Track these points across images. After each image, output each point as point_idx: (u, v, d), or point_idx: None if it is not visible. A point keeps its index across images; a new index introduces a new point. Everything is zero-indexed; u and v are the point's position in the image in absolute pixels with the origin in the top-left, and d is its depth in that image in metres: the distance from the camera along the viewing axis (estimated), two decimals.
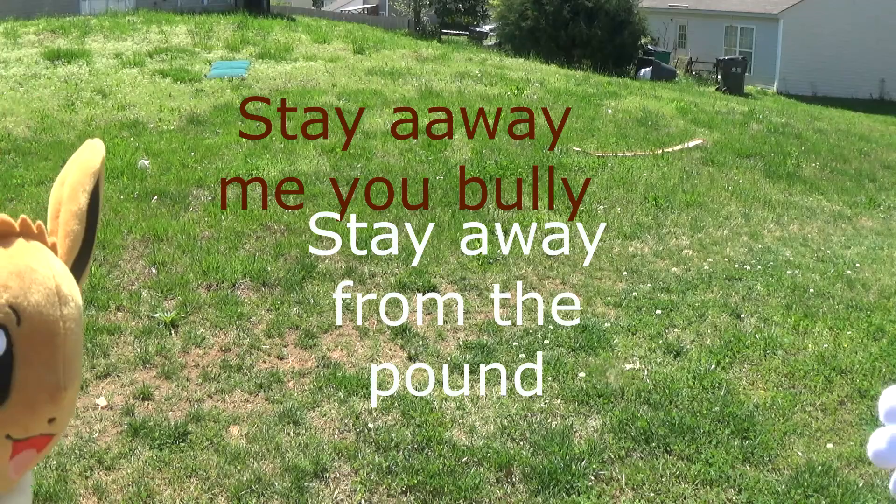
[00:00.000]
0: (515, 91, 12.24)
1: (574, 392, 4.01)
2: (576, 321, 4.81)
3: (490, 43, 31.64)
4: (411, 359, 4.32)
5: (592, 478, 3.39)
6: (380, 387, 3.99)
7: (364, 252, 5.56)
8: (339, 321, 4.67)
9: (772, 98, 23.55)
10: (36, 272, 0.93)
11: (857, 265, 6.14)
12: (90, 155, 1.10)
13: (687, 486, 3.37)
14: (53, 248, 1.01)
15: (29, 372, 0.91)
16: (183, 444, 3.48)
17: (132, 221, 5.84)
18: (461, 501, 3.22)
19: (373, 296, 4.99)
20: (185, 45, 14.45)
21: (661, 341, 4.62)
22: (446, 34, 34.23)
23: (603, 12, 25.16)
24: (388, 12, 42.62)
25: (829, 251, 6.48)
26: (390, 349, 4.43)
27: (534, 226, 6.38)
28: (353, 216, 6.29)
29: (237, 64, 13.16)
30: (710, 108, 12.80)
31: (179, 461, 3.37)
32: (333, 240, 5.76)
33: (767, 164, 9.12)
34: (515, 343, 4.52)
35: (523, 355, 4.37)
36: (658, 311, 5.00)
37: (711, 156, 9.17)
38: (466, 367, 4.21)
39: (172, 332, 4.43)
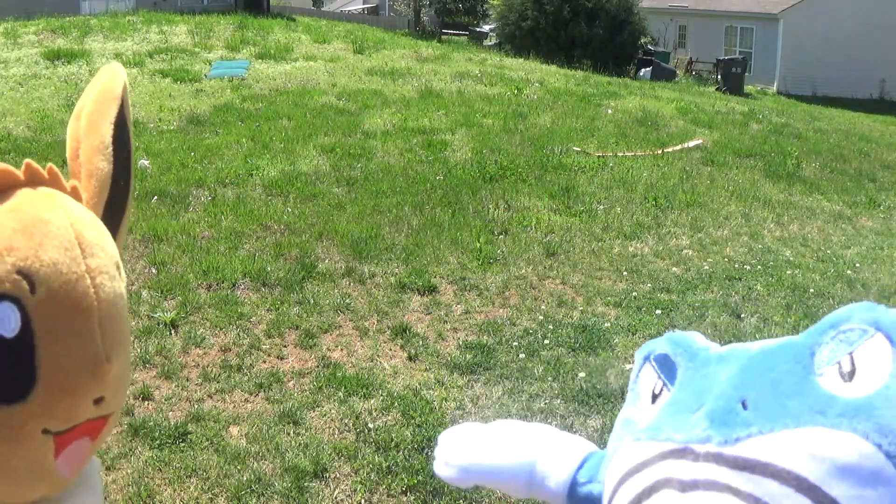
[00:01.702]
0: (515, 91, 12.24)
1: (574, 392, 4.01)
2: (576, 321, 4.81)
3: (490, 43, 31.64)
4: (411, 359, 4.32)
5: None
6: (380, 387, 3.99)
7: (364, 252, 5.56)
8: (339, 321, 4.67)
9: (772, 98, 23.55)
10: (48, 223, 0.76)
11: (857, 265, 6.14)
12: (108, 79, 0.90)
13: None
14: (74, 192, 0.83)
15: (57, 348, 0.74)
16: (183, 444, 3.48)
17: (132, 221, 5.83)
18: (461, 501, 3.22)
19: (373, 296, 4.99)
20: (185, 45, 14.46)
21: None
22: (446, 34, 34.22)
23: (603, 12, 25.16)
24: (388, 12, 42.62)
25: (829, 251, 6.48)
26: (390, 349, 4.43)
27: (534, 225, 6.39)
28: (353, 216, 6.30)
29: (237, 64, 13.17)
30: (710, 108, 12.80)
31: (179, 461, 3.36)
32: (333, 239, 5.77)
33: (767, 164, 9.12)
34: (515, 343, 4.52)
35: (523, 355, 4.37)
36: (658, 311, 5.00)
37: (711, 156, 9.17)
38: (466, 367, 4.21)
39: (172, 332, 4.43)
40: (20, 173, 0.78)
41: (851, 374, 0.61)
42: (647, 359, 0.74)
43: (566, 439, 0.88)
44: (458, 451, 0.89)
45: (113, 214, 0.88)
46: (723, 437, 0.62)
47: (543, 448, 0.86)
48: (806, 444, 0.59)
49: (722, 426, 0.63)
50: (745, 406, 0.63)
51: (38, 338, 0.74)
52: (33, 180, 0.79)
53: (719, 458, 0.62)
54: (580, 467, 0.84)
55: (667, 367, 0.72)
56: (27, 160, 0.79)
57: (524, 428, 0.89)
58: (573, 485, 0.83)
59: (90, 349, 0.76)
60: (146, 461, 3.35)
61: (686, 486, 0.63)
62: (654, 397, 0.72)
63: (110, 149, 0.87)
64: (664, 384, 0.71)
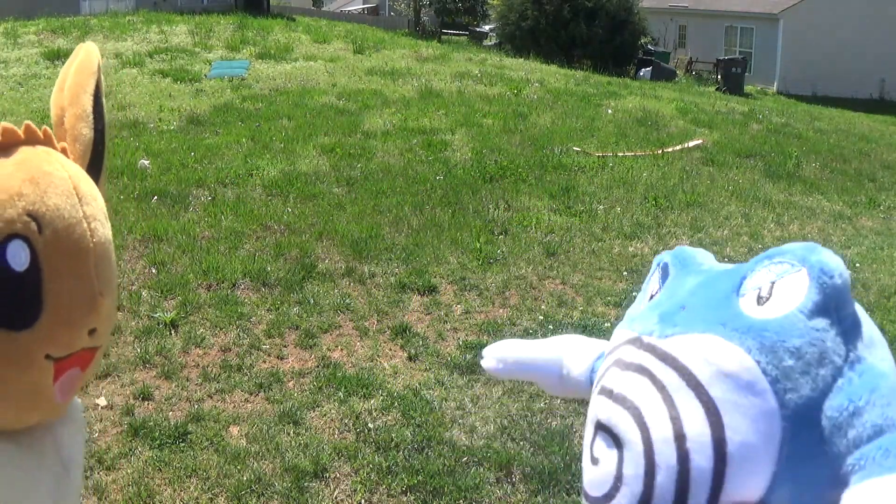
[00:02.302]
0: (515, 91, 12.24)
1: None
2: (576, 321, 4.81)
3: (490, 43, 31.65)
4: (411, 359, 4.32)
5: None
6: (380, 387, 3.99)
7: (364, 252, 5.56)
8: (339, 321, 4.67)
9: (772, 98, 23.55)
10: (50, 175, 0.87)
11: (857, 265, 6.14)
12: (85, 56, 1.03)
13: None
14: (64, 153, 0.94)
15: (60, 283, 0.85)
16: (183, 444, 3.48)
17: (132, 221, 5.84)
18: (461, 501, 3.22)
19: (373, 296, 4.99)
20: (185, 45, 14.45)
21: None
22: (446, 34, 34.23)
23: (603, 12, 25.19)
24: (388, 12, 42.62)
25: None
26: (390, 349, 4.43)
27: (534, 225, 6.39)
28: (353, 216, 6.30)
29: (237, 64, 13.17)
30: (710, 108, 12.80)
31: (179, 461, 3.36)
32: (333, 239, 5.77)
33: (767, 164, 9.12)
34: None
35: None
36: None
37: (711, 156, 9.17)
38: (466, 367, 4.21)
39: (172, 332, 4.43)
40: (21, 132, 0.89)
41: (765, 299, 0.70)
42: (658, 265, 0.87)
43: (590, 341, 1.04)
44: (505, 350, 1.06)
45: (92, 175, 0.98)
46: (661, 332, 0.75)
47: (570, 347, 1.03)
48: (703, 348, 0.70)
49: (662, 323, 0.75)
50: (683, 309, 0.75)
51: (45, 273, 0.84)
52: (31, 139, 0.90)
53: (652, 349, 0.74)
54: (598, 359, 0.96)
55: (666, 273, 0.84)
56: (27, 122, 0.89)
57: (558, 337, 1.08)
58: (591, 372, 0.96)
59: (87, 284, 0.88)
60: (146, 461, 3.36)
61: (625, 367, 0.76)
62: (651, 297, 0.83)
63: (91, 117, 0.99)
64: (660, 287, 0.83)
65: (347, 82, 12.15)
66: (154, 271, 5.13)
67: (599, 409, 0.76)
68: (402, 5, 38.96)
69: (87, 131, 0.98)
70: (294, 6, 38.06)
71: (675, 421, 0.68)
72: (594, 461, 0.75)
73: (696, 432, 0.67)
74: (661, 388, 0.70)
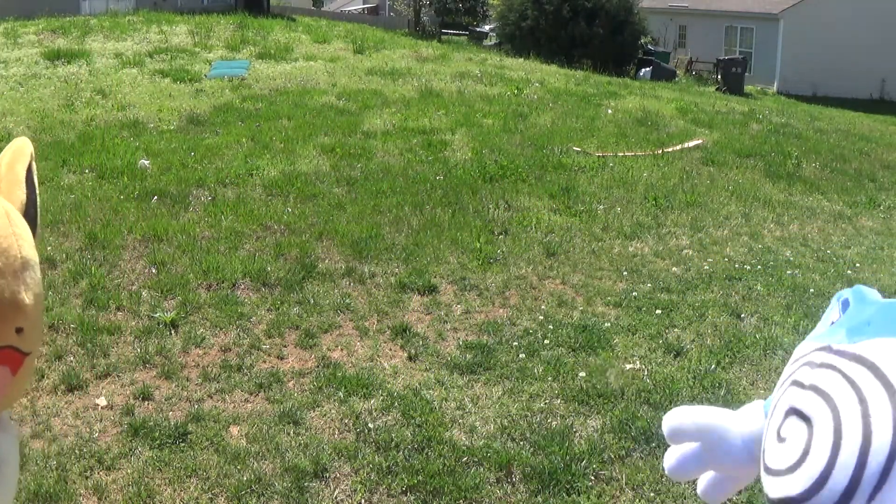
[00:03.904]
0: (515, 91, 12.25)
1: (574, 392, 4.01)
2: (576, 321, 4.81)
3: (490, 43, 31.66)
4: (411, 359, 4.32)
5: (592, 478, 3.39)
6: (380, 387, 3.99)
7: (364, 252, 5.56)
8: (339, 321, 4.67)
9: (772, 98, 23.55)
10: None
11: (857, 265, 6.14)
12: (19, 142, 1.16)
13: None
14: None
15: None
16: (183, 444, 3.48)
17: (132, 221, 5.84)
18: (461, 501, 3.22)
19: (373, 296, 4.99)
20: (185, 45, 14.46)
21: (661, 341, 4.62)
22: (446, 34, 34.22)
23: (603, 12, 25.19)
24: (388, 12, 42.61)
25: (829, 251, 6.48)
26: (390, 349, 4.43)
27: (534, 225, 6.39)
28: (353, 216, 6.30)
29: (237, 64, 13.17)
30: (710, 108, 12.80)
31: (179, 461, 3.36)
32: (333, 239, 5.77)
33: (767, 164, 9.12)
34: (515, 343, 4.52)
35: (523, 355, 4.37)
36: (658, 311, 5.00)
37: (711, 156, 9.17)
38: (466, 367, 4.21)
39: (172, 332, 4.43)
40: None
41: None
42: (837, 299, 1.02)
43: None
44: (685, 415, 1.14)
45: None
46: (850, 340, 0.89)
47: (738, 411, 1.12)
48: (886, 347, 0.85)
49: (850, 334, 0.90)
50: (868, 324, 0.90)
51: None
52: None
53: (841, 353, 0.88)
54: (766, 404, 1.06)
55: (846, 306, 1.00)
56: None
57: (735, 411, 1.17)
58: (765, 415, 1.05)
59: (11, 282, 0.97)
60: (146, 461, 3.36)
61: (816, 366, 0.89)
62: (832, 323, 0.99)
63: (24, 184, 1.11)
64: (840, 315, 0.99)
65: (347, 82, 12.16)
66: (154, 271, 5.13)
67: (792, 397, 0.90)
68: (402, 5, 38.93)
69: (20, 193, 1.09)
70: (294, 6, 38.03)
71: (863, 402, 0.82)
72: (781, 440, 0.89)
73: (880, 410, 0.80)
74: (851, 381, 0.84)
